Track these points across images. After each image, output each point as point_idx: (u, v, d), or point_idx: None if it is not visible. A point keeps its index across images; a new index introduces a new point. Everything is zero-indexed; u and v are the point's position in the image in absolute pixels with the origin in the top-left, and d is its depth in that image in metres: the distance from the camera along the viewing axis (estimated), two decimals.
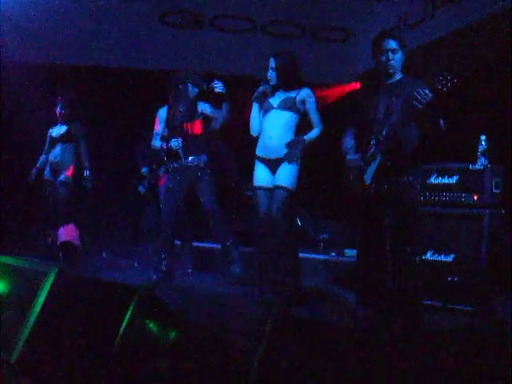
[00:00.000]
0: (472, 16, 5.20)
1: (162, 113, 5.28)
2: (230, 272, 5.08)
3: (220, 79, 4.95)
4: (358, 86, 7.34)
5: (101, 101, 6.93)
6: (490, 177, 4.13)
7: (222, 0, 6.83)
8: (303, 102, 4.34)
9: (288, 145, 4.29)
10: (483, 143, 4.19)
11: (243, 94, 4.62)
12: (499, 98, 4.72)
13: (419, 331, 3.49)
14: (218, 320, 3.60)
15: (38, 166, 6.25)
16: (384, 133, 3.54)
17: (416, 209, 3.65)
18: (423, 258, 4.16)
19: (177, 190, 5.12)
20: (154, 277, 5.06)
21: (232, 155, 6.71)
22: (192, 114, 5.12)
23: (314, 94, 4.39)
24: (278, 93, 4.41)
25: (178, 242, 5.65)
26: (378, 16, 6.64)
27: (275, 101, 4.39)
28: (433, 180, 4.40)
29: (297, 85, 4.37)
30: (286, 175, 4.28)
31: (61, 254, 5.69)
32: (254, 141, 4.51)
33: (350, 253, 5.55)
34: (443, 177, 4.34)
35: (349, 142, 3.87)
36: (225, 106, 5.02)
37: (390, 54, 3.63)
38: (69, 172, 6.02)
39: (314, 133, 4.34)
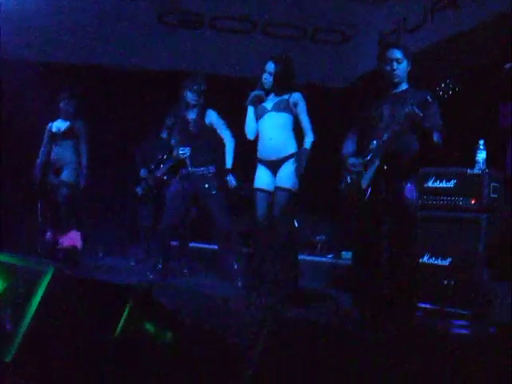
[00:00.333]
0: (471, 20, 5.21)
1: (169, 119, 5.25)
2: (232, 285, 5.03)
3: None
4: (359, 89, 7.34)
5: (99, 100, 6.91)
6: (487, 181, 4.14)
7: (222, 1, 6.84)
8: (295, 105, 4.37)
9: (296, 159, 4.31)
10: (481, 147, 4.20)
11: (242, 95, 4.61)
12: (498, 103, 4.72)
13: (414, 334, 3.49)
14: (214, 321, 3.59)
15: (39, 161, 6.07)
16: (384, 138, 3.54)
17: (413, 213, 3.64)
18: (420, 261, 4.17)
19: (182, 195, 5.07)
20: (151, 277, 5.06)
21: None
22: (200, 123, 5.07)
23: (304, 98, 4.41)
24: (270, 97, 4.46)
25: (174, 243, 5.65)
26: (377, 19, 6.66)
27: (269, 104, 4.43)
28: (430, 184, 4.40)
29: (289, 89, 4.40)
30: (288, 176, 4.30)
31: (61, 255, 5.66)
32: (250, 142, 4.53)
33: (347, 255, 5.56)
34: (441, 181, 4.35)
35: (350, 146, 3.87)
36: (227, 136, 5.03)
37: (395, 64, 3.63)
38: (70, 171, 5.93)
39: (309, 141, 4.36)
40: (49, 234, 5.97)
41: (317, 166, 4.39)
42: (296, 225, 4.77)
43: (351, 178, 3.70)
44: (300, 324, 2.41)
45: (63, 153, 5.98)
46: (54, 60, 6.82)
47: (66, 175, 5.94)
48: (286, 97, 4.38)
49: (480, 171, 4.16)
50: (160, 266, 5.07)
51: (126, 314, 2.59)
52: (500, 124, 4.18)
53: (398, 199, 3.56)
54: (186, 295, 4.68)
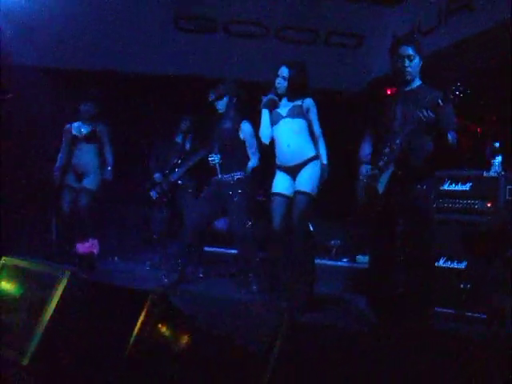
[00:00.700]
0: (486, 22, 5.17)
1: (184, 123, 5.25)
2: (248, 289, 5.00)
3: None
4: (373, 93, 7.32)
5: (113, 105, 6.95)
6: (503, 184, 4.11)
7: (236, 5, 6.85)
8: (308, 111, 4.37)
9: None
10: (497, 150, 4.17)
11: (256, 99, 4.61)
12: None
13: (430, 337, 3.47)
14: (229, 326, 3.59)
15: (58, 164, 5.91)
16: (397, 142, 3.53)
17: (429, 217, 3.63)
18: (436, 265, 4.15)
19: (208, 202, 5.06)
20: (166, 281, 5.06)
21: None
22: (234, 135, 5.04)
23: (316, 103, 4.41)
24: (283, 102, 4.46)
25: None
26: (391, 22, 6.63)
27: (283, 110, 4.42)
28: (446, 187, 4.38)
29: (302, 94, 4.40)
30: (307, 180, 4.28)
31: (77, 260, 5.64)
32: (265, 146, 4.53)
33: (362, 259, 5.55)
34: (457, 184, 4.33)
35: (367, 148, 3.86)
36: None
37: (407, 61, 3.61)
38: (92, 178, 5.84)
39: (323, 151, 4.35)
40: (65, 239, 5.99)
41: (331, 170, 4.38)
42: (311, 229, 4.76)
43: (367, 183, 3.69)
44: (316, 329, 2.41)
45: (85, 157, 5.86)
46: (67, 65, 6.86)
47: (88, 182, 5.83)
48: (299, 102, 4.37)
49: (496, 174, 4.13)
50: (176, 271, 5.08)
51: (141, 317, 2.60)
52: None
53: (413, 203, 3.55)
54: (202, 300, 4.67)
